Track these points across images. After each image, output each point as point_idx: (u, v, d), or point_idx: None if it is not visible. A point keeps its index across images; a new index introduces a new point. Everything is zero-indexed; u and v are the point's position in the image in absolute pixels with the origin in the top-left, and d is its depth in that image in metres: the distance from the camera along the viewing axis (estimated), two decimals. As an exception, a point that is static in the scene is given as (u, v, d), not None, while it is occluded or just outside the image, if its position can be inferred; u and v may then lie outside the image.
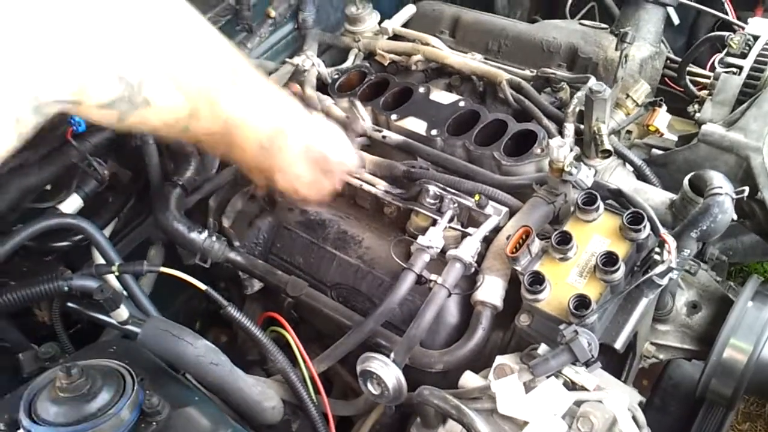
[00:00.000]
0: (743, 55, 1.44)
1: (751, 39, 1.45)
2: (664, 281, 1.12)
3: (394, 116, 1.54)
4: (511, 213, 1.31)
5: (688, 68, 1.68)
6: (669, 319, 1.39)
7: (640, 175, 1.46)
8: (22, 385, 0.99)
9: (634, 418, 1.07)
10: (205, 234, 1.34)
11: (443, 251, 1.24)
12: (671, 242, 1.12)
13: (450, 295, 1.18)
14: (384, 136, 1.52)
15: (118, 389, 0.94)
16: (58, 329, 1.24)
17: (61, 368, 0.91)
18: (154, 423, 0.95)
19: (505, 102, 1.57)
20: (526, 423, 1.00)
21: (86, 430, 0.89)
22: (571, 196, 1.30)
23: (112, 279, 1.25)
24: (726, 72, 1.43)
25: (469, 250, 1.21)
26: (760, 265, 2.32)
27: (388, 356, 1.12)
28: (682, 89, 1.70)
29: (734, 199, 1.19)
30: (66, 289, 1.11)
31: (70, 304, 1.23)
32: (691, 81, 1.68)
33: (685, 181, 1.30)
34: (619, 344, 1.13)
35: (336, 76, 1.67)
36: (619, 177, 1.42)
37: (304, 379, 1.18)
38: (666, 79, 1.75)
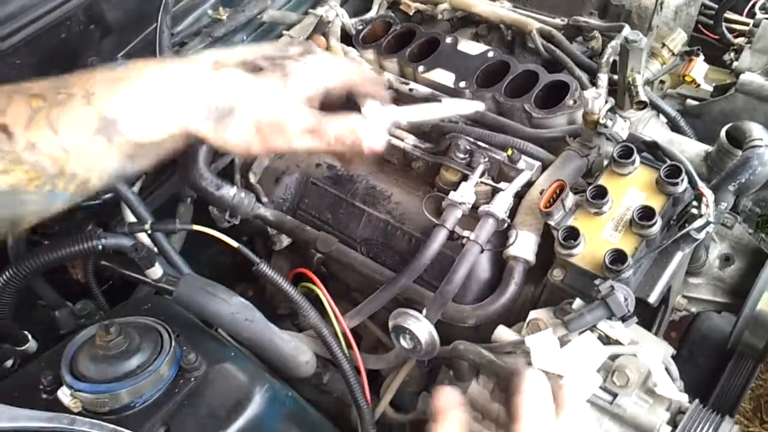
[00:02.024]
0: (786, 0, 1.38)
1: (795, -18, 1.39)
2: (701, 235, 1.10)
3: (420, 68, 1.51)
4: (544, 167, 1.28)
5: (724, 15, 1.62)
6: (702, 272, 1.38)
7: (674, 127, 1.42)
8: (60, 342, 1.01)
9: (668, 371, 1.08)
10: (234, 190, 1.33)
11: (474, 207, 1.23)
12: (709, 196, 1.10)
13: (483, 251, 1.17)
14: (411, 89, 1.49)
15: (156, 346, 0.95)
16: (93, 287, 1.25)
17: (99, 326, 0.93)
18: (193, 379, 0.96)
19: (535, 52, 1.53)
20: (560, 377, 1.00)
21: (127, 387, 0.90)
22: (605, 149, 1.28)
23: (143, 236, 1.26)
24: (766, 19, 1.38)
25: (501, 205, 1.19)
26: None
27: (420, 311, 1.12)
28: (717, 37, 1.65)
29: (775, 151, 1.16)
30: (100, 247, 1.11)
31: (103, 262, 1.24)
32: (728, 28, 1.62)
33: (722, 133, 1.27)
34: (653, 298, 1.12)
35: (360, 27, 1.64)
36: (653, 128, 1.39)
37: (335, 334, 1.18)
38: (700, 26, 1.69)
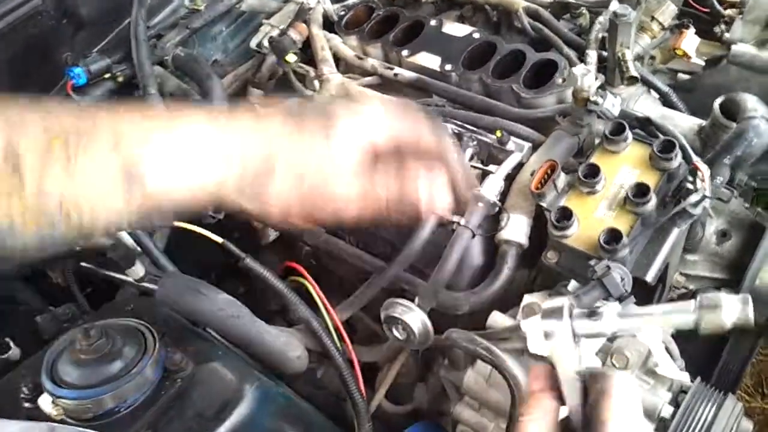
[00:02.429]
0: (776, -32, 1.35)
1: (784, -51, 1.35)
2: (698, 211, 1.07)
3: (405, 52, 1.47)
4: (534, 147, 1.25)
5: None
6: (699, 248, 1.34)
7: (666, 102, 1.39)
8: (43, 348, 0.98)
9: (668, 351, 1.05)
10: (217, 185, 1.29)
11: (464, 191, 1.19)
12: (704, 170, 1.07)
13: (474, 236, 1.14)
14: (396, 74, 1.45)
15: (139, 348, 0.92)
16: (74, 290, 1.21)
17: (79, 330, 0.90)
18: (179, 380, 0.93)
19: (522, 31, 1.50)
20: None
21: (110, 391, 0.87)
22: (596, 127, 1.24)
23: (125, 237, 1.22)
24: (757, -13, 1.35)
25: (492, 189, 1.16)
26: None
27: (412, 301, 1.09)
28: (706, 9, 1.62)
29: (770, 121, 1.13)
30: (77, 248, 1.08)
31: (83, 264, 1.21)
32: (717, 0, 1.59)
33: (716, 105, 1.24)
34: (650, 277, 1.09)
35: (342, 13, 1.60)
36: (645, 104, 1.36)
37: (327, 327, 1.15)
38: (689, -1, 1.66)
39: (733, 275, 1.31)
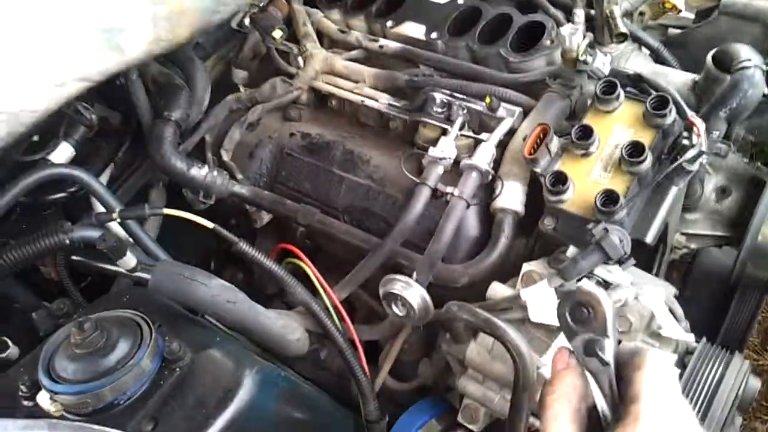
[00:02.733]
0: None
1: None
2: (695, 167, 1.05)
3: (389, 23, 1.44)
4: (525, 112, 1.23)
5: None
6: (698, 206, 1.33)
7: (657, 58, 1.36)
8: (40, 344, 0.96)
9: (672, 312, 1.04)
10: (206, 169, 1.27)
11: (457, 161, 1.17)
12: (700, 125, 1.05)
13: (469, 206, 1.12)
14: (381, 46, 1.42)
15: (135, 339, 0.91)
16: (67, 284, 1.20)
17: (73, 324, 0.88)
18: (178, 369, 0.92)
19: (507, -6, 1.46)
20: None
21: (108, 384, 0.86)
22: (588, 87, 1.22)
23: (116, 227, 1.20)
24: (745, -67, 1.31)
25: (484, 157, 1.14)
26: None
27: (410, 276, 1.08)
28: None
29: (765, 70, 1.10)
30: (67, 241, 1.06)
31: (75, 258, 1.19)
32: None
33: (709, 58, 1.21)
34: (650, 238, 1.07)
35: (322, -14, 1.56)
36: (636, 62, 1.33)
37: (326, 307, 1.14)
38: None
39: (735, 232, 1.30)
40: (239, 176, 1.36)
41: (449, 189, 1.12)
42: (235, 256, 1.16)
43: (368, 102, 1.35)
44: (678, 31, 1.42)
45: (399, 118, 1.32)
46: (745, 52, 1.13)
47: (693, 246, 1.29)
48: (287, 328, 1.09)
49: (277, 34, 1.35)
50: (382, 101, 1.34)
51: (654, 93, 1.10)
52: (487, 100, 1.21)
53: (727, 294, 1.27)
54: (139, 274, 1.06)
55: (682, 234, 1.31)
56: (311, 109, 1.44)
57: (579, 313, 0.64)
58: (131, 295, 1.07)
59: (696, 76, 1.28)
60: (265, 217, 1.36)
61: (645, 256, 1.20)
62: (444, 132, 1.23)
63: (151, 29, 0.96)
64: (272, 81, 1.42)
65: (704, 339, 1.02)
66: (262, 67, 1.50)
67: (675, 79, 1.29)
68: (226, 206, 1.34)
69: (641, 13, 1.50)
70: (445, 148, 1.16)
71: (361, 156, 1.30)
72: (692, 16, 1.48)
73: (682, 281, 1.31)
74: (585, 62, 1.15)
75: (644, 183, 1.06)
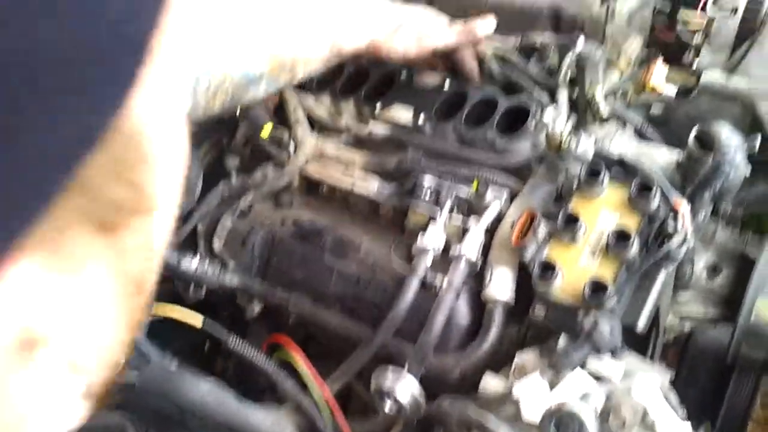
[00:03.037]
0: (737, -6, 1.34)
1: (743, -25, 1.35)
2: (681, 253, 1.05)
3: (378, 106, 1.47)
4: (513, 195, 1.24)
5: (679, 13, 1.58)
6: (690, 285, 1.32)
7: (642, 136, 1.38)
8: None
9: (667, 399, 1.02)
10: (197, 260, 1.28)
11: (447, 247, 1.18)
12: (685, 209, 1.06)
13: (458, 296, 1.11)
14: (369, 131, 1.44)
15: (122, 448, 0.90)
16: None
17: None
18: (166, 477, 0.90)
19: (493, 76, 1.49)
20: (554, 424, 0.95)
21: (93, 500, 0.84)
22: (573, 170, 1.23)
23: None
24: (720, 14, 1.34)
25: (473, 245, 1.14)
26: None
27: (403, 366, 1.07)
28: (672, 37, 1.61)
29: (746, 152, 1.12)
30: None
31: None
32: (684, 27, 1.58)
33: (691, 137, 1.22)
34: (641, 324, 1.07)
35: (312, 72, 1.59)
36: (621, 141, 1.34)
37: (317, 403, 1.12)
38: (657, 27, 1.65)
39: (728, 310, 1.29)
40: (231, 264, 1.36)
41: (438, 279, 1.12)
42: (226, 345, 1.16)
43: (358, 188, 1.36)
44: (661, 108, 1.44)
45: (389, 203, 1.33)
46: (725, 133, 1.14)
47: (687, 326, 1.28)
48: (277, 426, 1.07)
49: (265, 133, 1.38)
50: (372, 186, 1.35)
51: (637, 177, 1.11)
52: (474, 185, 1.22)
53: (724, 373, 1.25)
54: (127, 376, 1.05)
55: (675, 314, 1.30)
56: (303, 194, 1.46)
57: (564, 429, 0.63)
58: (120, 395, 1.06)
59: (681, 154, 1.29)
60: (257, 307, 1.36)
61: (638, 340, 1.19)
62: (433, 217, 1.24)
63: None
64: (263, 168, 1.44)
65: (704, 427, 1.00)
66: (254, 153, 1.52)
67: (659, 158, 1.30)
68: (217, 296, 1.34)
69: (625, 92, 1.52)
70: (434, 237, 1.16)
71: (352, 243, 1.31)
72: (674, 91, 1.50)
73: (678, 362, 1.29)
74: (569, 147, 1.16)
75: (632, 269, 1.06)
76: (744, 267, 1.30)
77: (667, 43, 1.60)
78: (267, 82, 1.22)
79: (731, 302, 1.25)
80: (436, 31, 1.35)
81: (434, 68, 1.50)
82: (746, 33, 1.32)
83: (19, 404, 0.30)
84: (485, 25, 1.37)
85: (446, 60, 1.43)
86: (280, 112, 1.53)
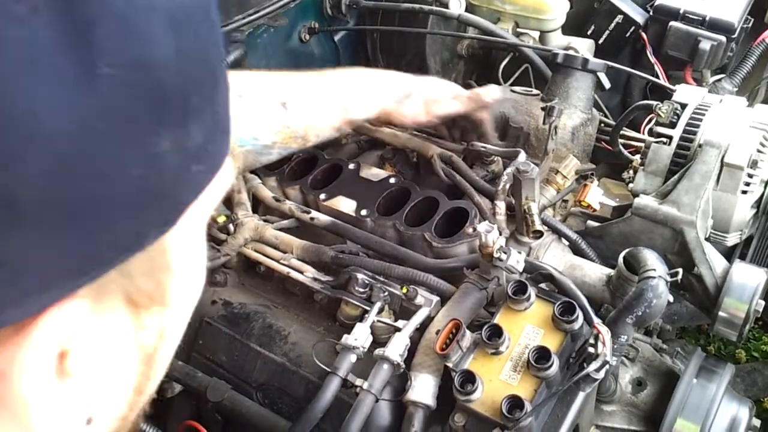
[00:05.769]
0: (672, 125, 1.41)
1: (679, 108, 1.42)
2: (600, 375, 1.06)
3: (322, 196, 1.48)
4: (444, 300, 1.24)
5: (622, 131, 1.65)
6: (614, 399, 1.34)
7: (576, 250, 1.41)
8: None
9: None
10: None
11: (371, 348, 1.17)
12: (605, 333, 1.07)
13: (378, 400, 1.10)
14: (312, 218, 1.45)
15: None
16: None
17: None
18: None
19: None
20: None
21: None
22: (504, 279, 1.25)
23: None
24: (656, 142, 1.41)
25: (397, 348, 1.14)
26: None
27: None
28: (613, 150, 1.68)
29: (668, 282, 1.15)
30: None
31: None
32: (626, 145, 1.65)
33: (620, 259, 1.26)
34: (558, 443, 1.07)
35: (263, 154, 1.61)
36: (555, 253, 1.38)
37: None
38: (603, 140, 1.72)
39: (652, 427, 1.30)
40: (156, 342, 1.33)
41: (359, 381, 1.11)
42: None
43: (294, 274, 1.35)
44: (596, 223, 1.48)
45: (323, 292, 1.33)
46: (651, 261, 1.18)
47: (609, 442, 1.28)
48: None
49: (221, 219, 1.39)
50: (308, 274, 1.35)
51: (562, 297, 1.13)
52: (404, 289, 1.23)
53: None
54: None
55: (598, 427, 1.31)
56: (240, 273, 1.45)
57: None
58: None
59: (611, 271, 1.32)
60: (177, 387, 1.32)
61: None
62: (364, 313, 1.24)
63: None
64: (201, 245, 1.42)
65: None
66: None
67: (590, 273, 1.33)
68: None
69: (564, 201, 1.57)
70: (359, 336, 1.16)
71: (280, 331, 1.29)
72: (614, 203, 1.55)
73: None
74: (499, 259, 1.18)
75: (552, 387, 1.07)
76: (669, 384, 1.32)
77: (611, 152, 1.67)
78: (279, 150, 1.26)
79: (654, 419, 1.26)
80: (445, 99, 1.42)
81: (441, 137, 1.58)
82: (680, 162, 1.39)
83: (38, 415, 0.36)
84: (491, 91, 1.48)
85: (452, 127, 1.55)
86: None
